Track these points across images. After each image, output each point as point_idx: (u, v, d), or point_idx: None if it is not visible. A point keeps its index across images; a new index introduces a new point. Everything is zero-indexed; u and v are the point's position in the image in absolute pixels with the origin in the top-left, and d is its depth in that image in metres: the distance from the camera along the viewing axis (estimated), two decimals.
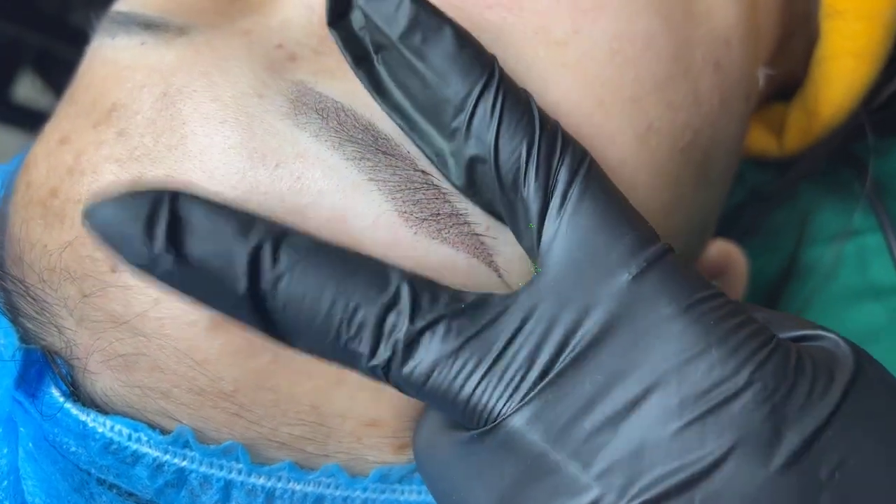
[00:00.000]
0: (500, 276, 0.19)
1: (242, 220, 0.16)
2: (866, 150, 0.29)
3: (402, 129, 0.18)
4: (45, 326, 0.20)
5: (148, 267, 0.15)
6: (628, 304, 0.15)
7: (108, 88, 0.20)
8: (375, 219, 0.18)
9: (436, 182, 0.18)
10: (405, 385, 0.16)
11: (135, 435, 0.19)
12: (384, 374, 0.16)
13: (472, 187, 0.18)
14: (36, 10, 0.52)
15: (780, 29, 0.27)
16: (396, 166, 0.18)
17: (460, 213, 0.18)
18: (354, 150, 0.18)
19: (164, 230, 0.15)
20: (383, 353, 0.16)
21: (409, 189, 0.18)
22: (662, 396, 0.15)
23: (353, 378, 0.18)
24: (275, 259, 0.15)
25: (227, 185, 0.18)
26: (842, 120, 0.27)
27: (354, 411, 0.19)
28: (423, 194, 0.18)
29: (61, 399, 0.19)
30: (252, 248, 0.15)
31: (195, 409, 0.19)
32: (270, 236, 0.16)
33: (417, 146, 0.18)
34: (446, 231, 0.18)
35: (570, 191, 0.16)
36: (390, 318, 0.16)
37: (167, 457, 0.18)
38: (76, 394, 0.19)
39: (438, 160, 0.18)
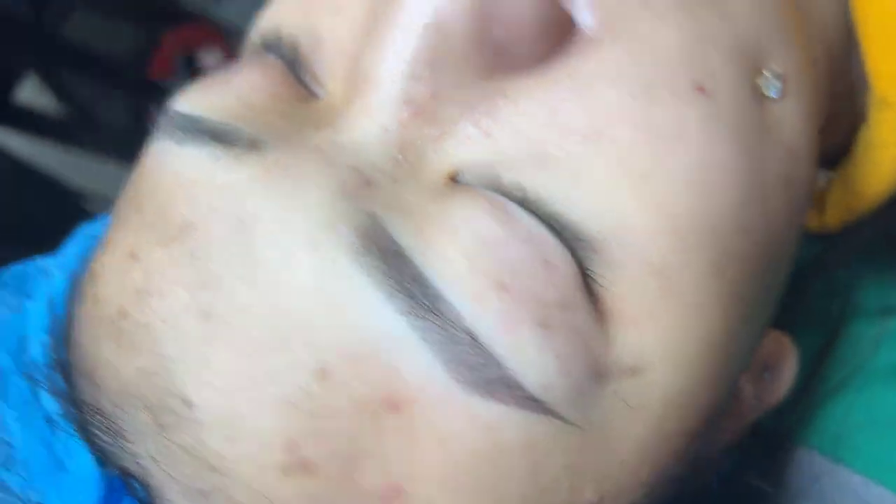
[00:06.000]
0: (564, 420, 0.18)
1: None
2: None
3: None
4: (120, 453, 0.19)
5: None
6: None
7: (178, 204, 0.20)
8: (427, 377, 0.18)
9: (483, 345, 0.18)
10: None
11: None
12: None
13: None
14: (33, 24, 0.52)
15: (827, 114, 0.27)
16: (443, 326, 0.18)
17: (511, 377, 0.18)
18: (405, 304, 0.18)
19: None
20: None
21: (457, 350, 0.18)
22: None
23: None
24: None
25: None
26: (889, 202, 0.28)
27: None
28: (471, 357, 0.18)
29: None
30: None
31: None
32: None
33: None
34: (498, 392, 0.18)
35: None
36: None
37: None
38: None
39: None
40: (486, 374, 0.18)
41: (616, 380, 0.19)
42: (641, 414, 0.19)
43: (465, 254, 0.18)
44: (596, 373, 0.19)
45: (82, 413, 0.20)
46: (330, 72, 0.22)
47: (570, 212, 0.18)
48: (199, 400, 0.18)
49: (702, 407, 0.21)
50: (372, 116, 0.19)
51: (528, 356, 0.18)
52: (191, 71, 0.57)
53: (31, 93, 1.03)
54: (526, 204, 0.19)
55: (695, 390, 0.20)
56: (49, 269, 0.27)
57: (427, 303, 0.18)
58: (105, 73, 0.54)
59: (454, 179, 0.20)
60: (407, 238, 0.18)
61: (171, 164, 0.21)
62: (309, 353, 0.18)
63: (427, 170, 0.20)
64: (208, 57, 1.19)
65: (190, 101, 0.22)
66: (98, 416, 0.20)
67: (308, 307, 0.18)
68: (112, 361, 0.20)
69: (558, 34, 0.19)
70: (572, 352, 0.18)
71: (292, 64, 0.22)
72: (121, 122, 1.24)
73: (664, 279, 0.19)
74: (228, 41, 1.22)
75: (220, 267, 0.19)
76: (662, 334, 0.19)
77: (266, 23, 0.24)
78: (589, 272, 0.19)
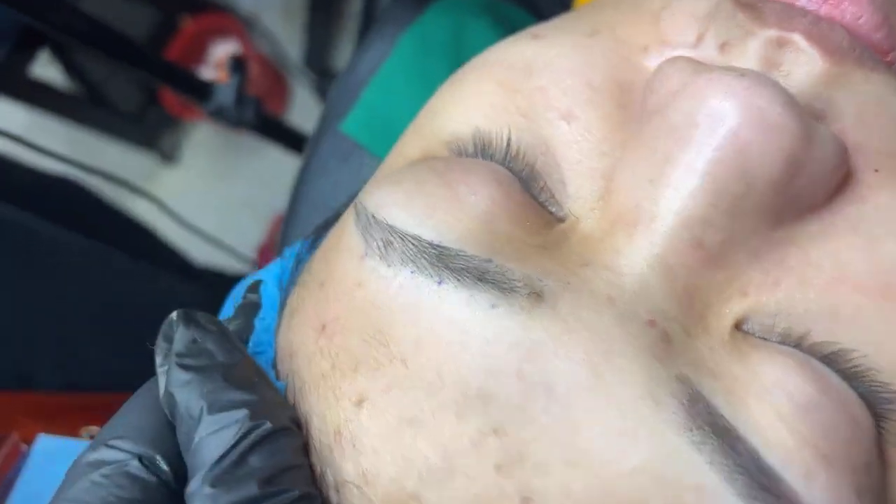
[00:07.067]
0: None
1: None
2: None
3: None
4: None
5: None
6: None
7: (461, 363, 0.17)
8: None
9: None
10: None
11: None
12: None
13: None
14: None
15: None
16: None
17: None
18: (745, 485, 0.16)
19: None
20: None
21: None
22: None
23: None
24: None
25: None
26: None
27: None
28: None
29: None
30: None
31: None
32: None
33: None
34: None
35: None
36: None
37: None
38: None
39: None
40: None
41: None
42: None
43: (785, 422, 0.17)
44: None
45: None
46: (572, 192, 0.20)
47: (871, 370, 0.18)
48: None
49: None
50: (657, 259, 0.18)
51: None
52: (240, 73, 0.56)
53: (40, 67, 1.03)
54: (828, 361, 0.18)
55: None
56: None
57: (765, 482, 0.16)
58: (123, 52, 0.55)
59: (738, 327, 0.18)
60: (725, 406, 0.17)
61: (436, 309, 0.18)
62: None
63: (712, 318, 0.18)
64: (226, 46, 1.19)
65: (424, 223, 0.19)
66: None
67: (643, 490, 0.16)
68: None
69: (838, 179, 0.19)
70: None
71: (525, 179, 0.20)
72: (130, 103, 1.23)
73: None
74: (246, 31, 1.23)
75: (531, 443, 0.16)
76: None
77: (476, 119, 0.21)
78: (882, 429, 0.18)
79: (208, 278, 0.77)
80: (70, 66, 1.09)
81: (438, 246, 0.18)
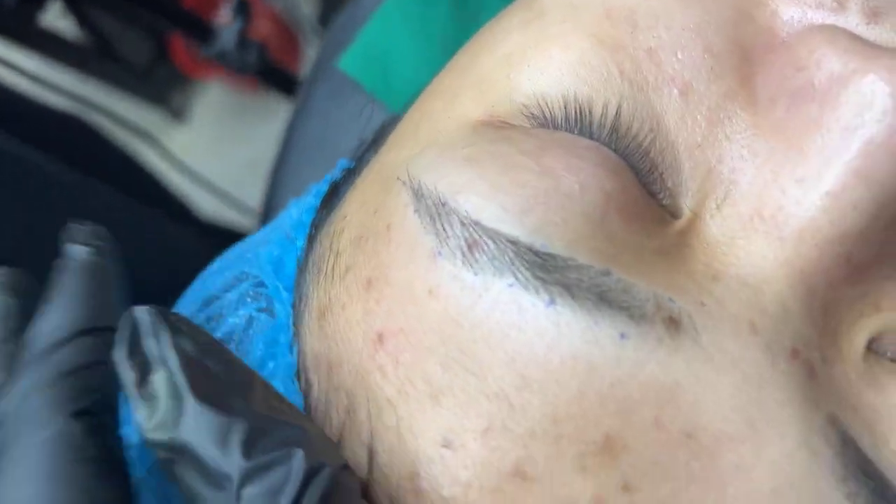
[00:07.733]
0: None
1: None
2: None
3: None
4: None
5: None
6: None
7: (584, 407, 0.14)
8: None
9: None
10: None
11: None
12: None
13: None
14: None
15: None
16: None
17: None
18: None
19: None
20: None
21: None
22: None
23: None
24: None
25: None
26: None
27: None
28: None
29: None
30: None
31: None
32: None
33: None
34: None
35: None
36: None
37: None
38: None
39: None
40: None
41: None
42: None
43: None
44: None
45: None
46: (688, 182, 0.17)
47: None
48: None
49: None
50: (800, 276, 0.15)
51: None
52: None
53: (52, 17, 1.02)
54: None
55: None
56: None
57: None
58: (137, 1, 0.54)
59: (869, 347, 0.16)
60: (870, 448, 0.15)
61: (548, 337, 0.15)
62: None
63: (844, 338, 0.16)
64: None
65: (521, 222, 0.15)
66: None
67: None
68: None
69: None
70: None
71: (634, 163, 0.17)
72: (141, 58, 1.23)
73: None
74: None
75: (668, 502, 0.14)
76: None
77: (567, 80, 0.17)
78: None
79: (211, 230, 0.76)
80: (82, 19, 1.08)
81: (544, 253, 0.15)
